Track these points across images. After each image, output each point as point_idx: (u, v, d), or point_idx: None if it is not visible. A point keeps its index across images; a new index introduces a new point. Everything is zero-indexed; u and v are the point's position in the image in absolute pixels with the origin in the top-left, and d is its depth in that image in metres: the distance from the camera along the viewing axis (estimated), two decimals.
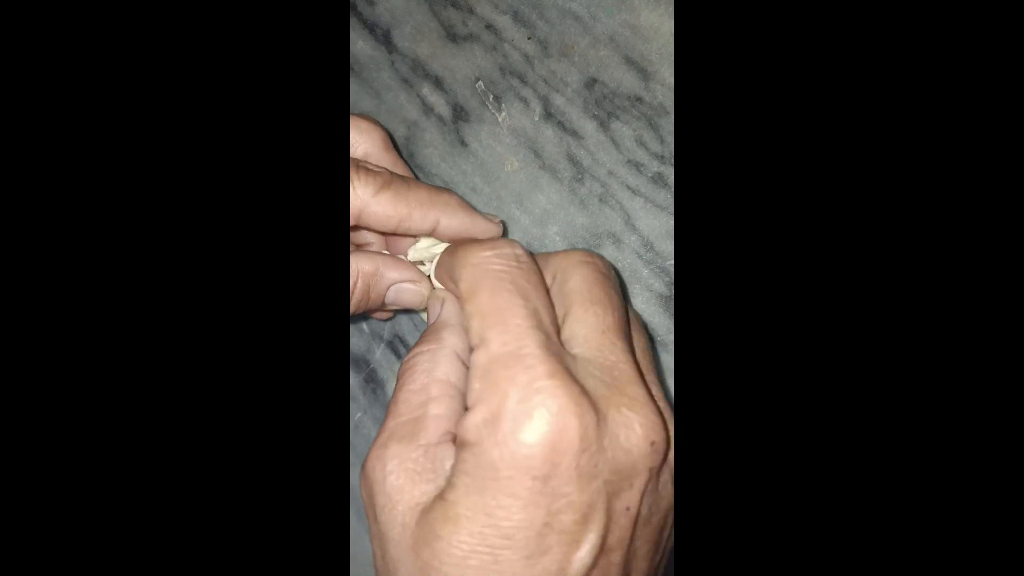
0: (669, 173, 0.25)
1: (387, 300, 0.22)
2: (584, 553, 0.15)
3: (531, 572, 0.15)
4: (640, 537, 0.16)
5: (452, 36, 0.28)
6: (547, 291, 0.18)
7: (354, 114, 0.23)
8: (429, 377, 0.18)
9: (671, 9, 0.25)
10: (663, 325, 0.25)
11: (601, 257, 0.19)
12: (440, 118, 0.28)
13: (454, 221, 0.21)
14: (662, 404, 0.17)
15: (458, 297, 0.18)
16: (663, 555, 0.18)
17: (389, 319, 0.28)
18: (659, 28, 0.26)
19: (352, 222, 0.20)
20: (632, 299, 0.25)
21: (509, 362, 0.15)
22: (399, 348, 0.28)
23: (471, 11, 0.28)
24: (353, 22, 0.30)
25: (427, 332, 0.20)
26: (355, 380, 0.29)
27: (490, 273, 0.17)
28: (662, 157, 0.25)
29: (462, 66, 0.28)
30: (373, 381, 0.29)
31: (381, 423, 0.28)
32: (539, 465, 0.15)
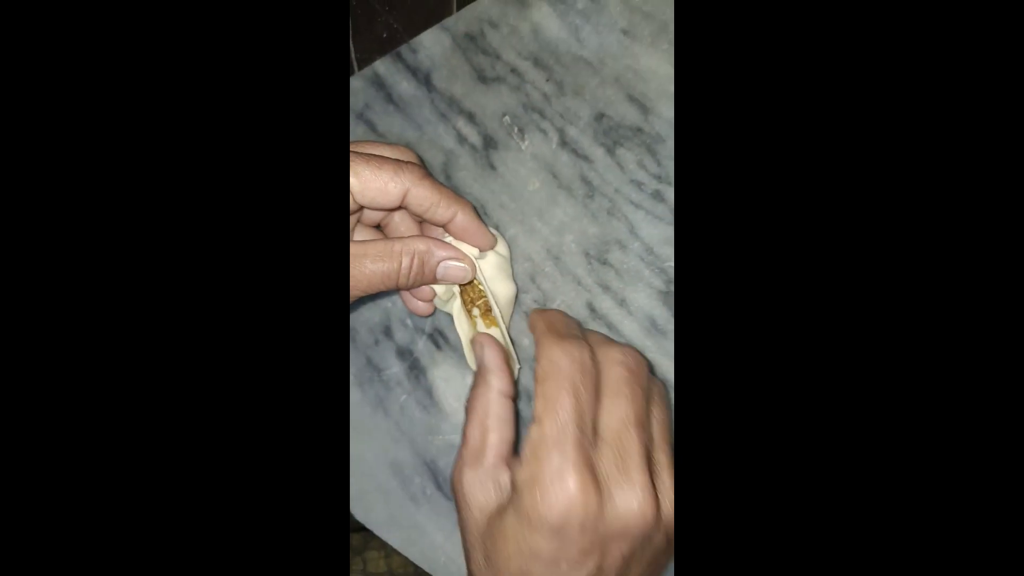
0: (665, 190, 0.30)
1: (438, 275, 0.27)
2: (585, 571, 0.21)
3: (548, 573, 0.22)
4: (633, 568, 0.22)
5: (483, 78, 0.33)
6: (594, 389, 0.23)
7: (392, 143, 0.28)
8: (484, 414, 0.25)
9: (667, 54, 0.30)
10: (662, 316, 0.30)
11: (634, 354, 0.24)
12: (473, 147, 0.33)
13: (468, 219, 0.27)
14: (667, 469, 0.23)
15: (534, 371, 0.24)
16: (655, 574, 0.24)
17: (430, 315, 0.33)
18: (656, 71, 0.31)
19: (398, 202, 0.26)
20: (635, 295, 0.30)
21: (552, 444, 0.22)
22: (438, 340, 0.33)
23: (498, 57, 0.33)
24: (399, 66, 0.35)
25: (477, 375, 0.26)
26: (401, 367, 0.34)
27: (559, 371, 0.23)
28: (659, 177, 0.30)
29: (491, 103, 0.33)
30: (416, 368, 0.34)
31: (424, 407, 0.33)
32: (555, 521, 0.21)
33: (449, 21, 0.34)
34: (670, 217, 0.30)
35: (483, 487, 0.24)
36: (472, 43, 0.34)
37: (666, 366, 0.29)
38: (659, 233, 0.30)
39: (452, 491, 0.25)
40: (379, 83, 0.35)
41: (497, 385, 0.25)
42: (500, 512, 0.23)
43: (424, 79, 0.34)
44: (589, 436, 0.22)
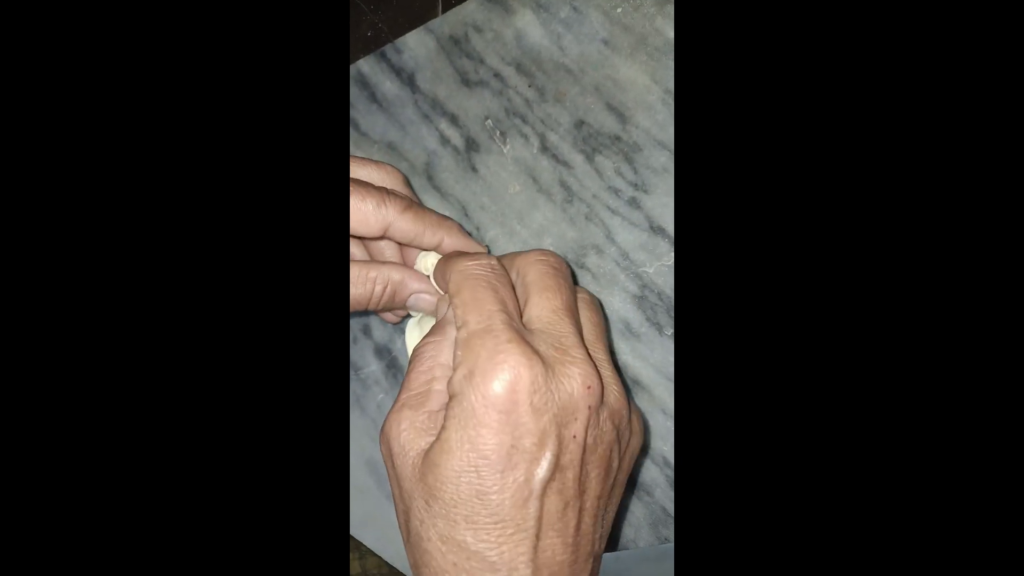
0: (641, 197, 0.31)
1: (407, 304, 0.27)
2: (543, 469, 0.20)
3: (504, 482, 0.19)
4: (590, 462, 0.21)
5: (466, 81, 0.34)
6: (512, 286, 0.22)
7: (379, 161, 0.28)
8: (434, 361, 0.23)
9: (645, 66, 0.31)
10: (636, 319, 0.30)
11: (553, 254, 0.24)
12: (455, 148, 0.33)
13: (454, 241, 0.27)
14: (606, 364, 0.22)
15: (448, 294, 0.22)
16: (614, 484, 0.22)
17: (397, 323, 0.33)
18: (635, 81, 0.31)
19: (379, 234, 0.25)
20: (611, 298, 0.31)
21: (481, 334, 0.20)
22: None
23: (482, 61, 0.34)
24: (383, 66, 0.35)
25: (434, 327, 0.24)
26: (379, 366, 0.34)
27: (471, 276, 0.22)
28: (635, 185, 0.31)
29: (474, 106, 0.33)
30: (394, 367, 0.34)
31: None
32: (503, 403, 0.19)
33: (434, 23, 0.35)
34: (645, 224, 0.31)
35: (424, 430, 0.21)
36: (456, 46, 0.34)
37: (638, 367, 0.30)
38: (634, 239, 0.31)
39: (383, 442, 0.22)
40: (363, 82, 0.36)
41: (452, 335, 0.23)
42: (437, 440, 0.20)
43: (408, 79, 0.34)
44: (520, 326, 0.21)
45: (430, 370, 0.23)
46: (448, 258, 0.25)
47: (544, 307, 0.22)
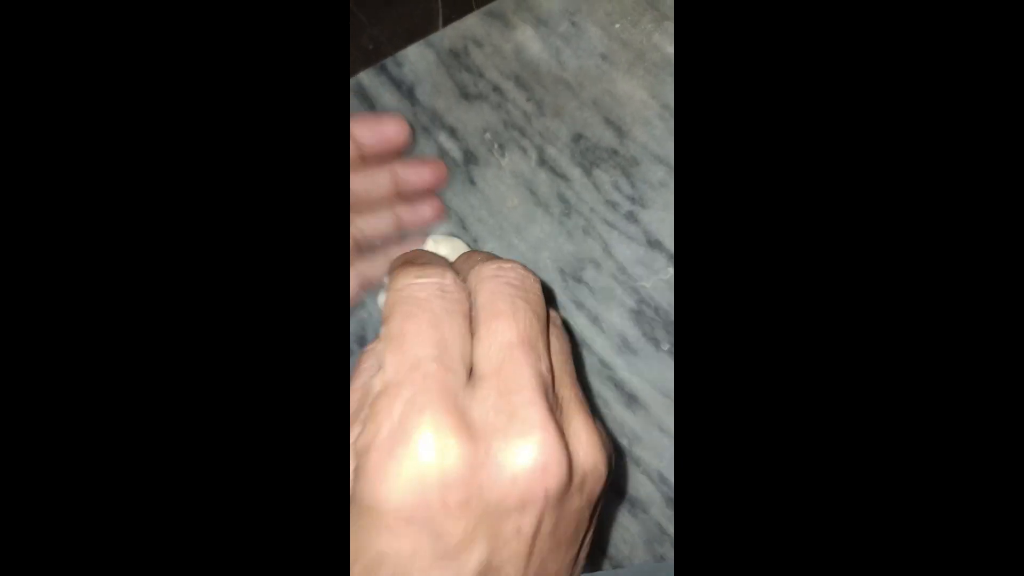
0: (639, 211, 0.31)
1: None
2: (469, 571, 0.15)
3: None
4: (546, 549, 0.16)
5: (465, 94, 0.34)
6: (467, 317, 0.17)
7: (380, 113, 0.28)
8: (370, 376, 0.17)
9: (643, 81, 0.31)
10: (633, 334, 0.30)
11: (515, 265, 0.18)
12: (454, 161, 0.33)
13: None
14: (576, 407, 0.17)
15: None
16: (581, 546, 0.18)
17: None
18: (632, 95, 0.32)
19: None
20: (608, 314, 0.31)
21: (394, 390, 0.15)
22: None
23: (481, 75, 0.34)
24: (383, 79, 0.36)
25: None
26: None
27: (408, 299, 0.16)
28: (633, 199, 0.31)
29: (473, 119, 0.33)
30: None
31: None
32: (408, 510, 0.14)
33: (434, 37, 0.35)
34: (643, 238, 0.31)
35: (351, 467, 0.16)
36: (456, 60, 0.34)
37: (635, 383, 0.30)
38: (631, 253, 0.31)
39: None
40: (363, 94, 0.36)
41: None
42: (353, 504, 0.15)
43: (408, 92, 0.35)
44: (458, 374, 0.15)
45: (363, 386, 0.17)
46: (394, 268, 0.18)
47: (492, 342, 0.16)
